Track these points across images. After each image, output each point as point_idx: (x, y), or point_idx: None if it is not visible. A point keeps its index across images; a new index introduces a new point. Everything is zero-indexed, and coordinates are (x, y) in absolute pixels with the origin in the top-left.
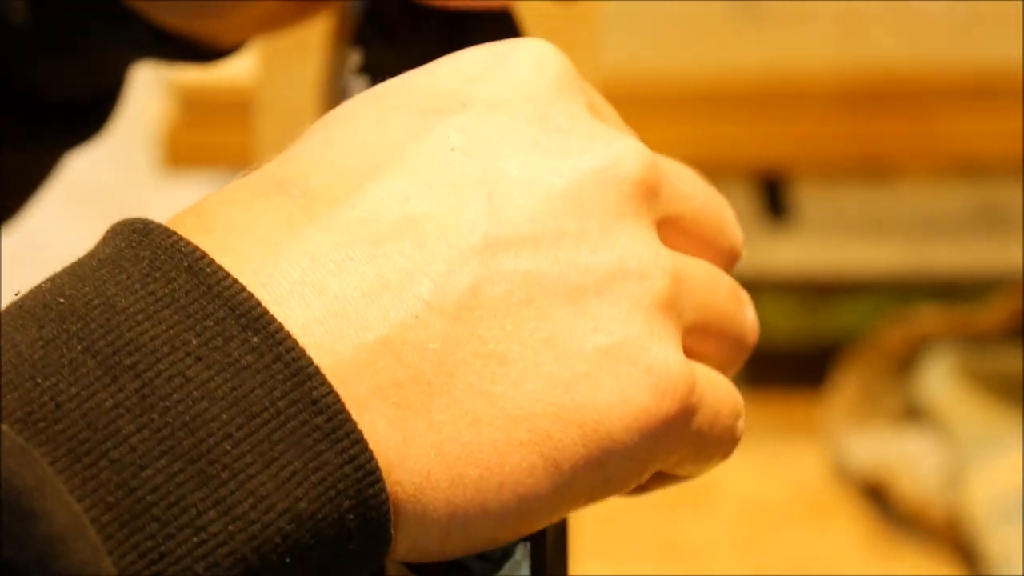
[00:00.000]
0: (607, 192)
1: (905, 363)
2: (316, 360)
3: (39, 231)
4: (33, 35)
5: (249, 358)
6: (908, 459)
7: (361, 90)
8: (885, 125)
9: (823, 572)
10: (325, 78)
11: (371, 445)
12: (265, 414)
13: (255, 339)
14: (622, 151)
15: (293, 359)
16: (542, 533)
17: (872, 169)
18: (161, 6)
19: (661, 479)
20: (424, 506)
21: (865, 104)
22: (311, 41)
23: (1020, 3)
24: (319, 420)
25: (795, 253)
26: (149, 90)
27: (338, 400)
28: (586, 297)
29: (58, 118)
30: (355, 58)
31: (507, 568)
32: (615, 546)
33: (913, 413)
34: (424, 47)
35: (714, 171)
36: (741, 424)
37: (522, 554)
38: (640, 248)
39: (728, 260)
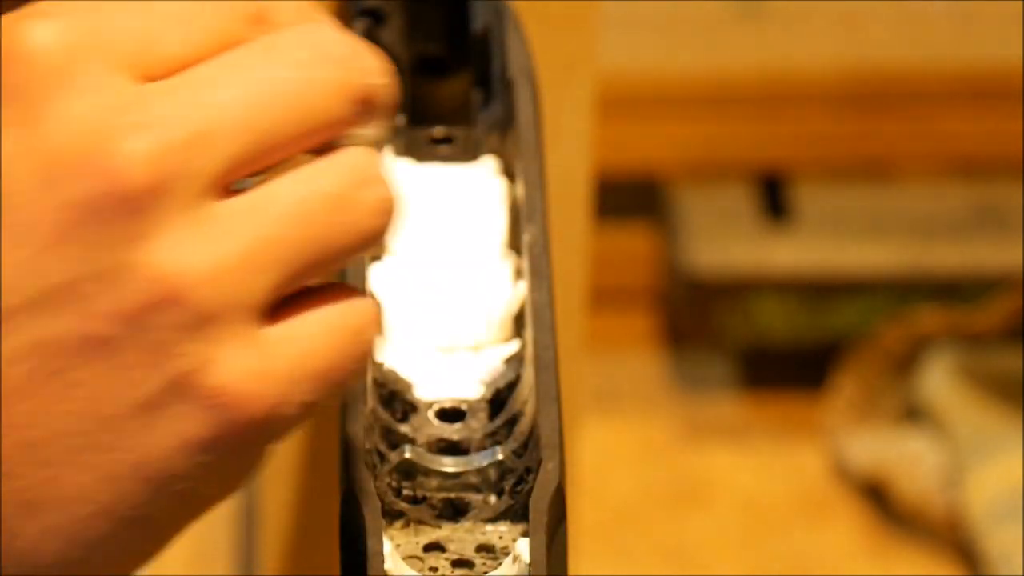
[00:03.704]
0: (112, 215)
1: (905, 363)
2: None
3: None
4: None
5: None
6: (908, 459)
7: None
8: (885, 125)
9: (823, 572)
10: None
11: None
12: None
13: None
14: (121, 163)
15: None
16: (542, 533)
17: (872, 169)
18: None
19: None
20: None
21: (865, 104)
22: None
23: (1020, 3)
24: None
25: (795, 253)
26: None
27: None
28: (119, 346)
29: None
30: None
31: (506, 564)
32: (615, 546)
33: (913, 413)
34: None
35: (714, 171)
36: (366, 332)
37: (522, 550)
38: (169, 267)
39: (337, 116)
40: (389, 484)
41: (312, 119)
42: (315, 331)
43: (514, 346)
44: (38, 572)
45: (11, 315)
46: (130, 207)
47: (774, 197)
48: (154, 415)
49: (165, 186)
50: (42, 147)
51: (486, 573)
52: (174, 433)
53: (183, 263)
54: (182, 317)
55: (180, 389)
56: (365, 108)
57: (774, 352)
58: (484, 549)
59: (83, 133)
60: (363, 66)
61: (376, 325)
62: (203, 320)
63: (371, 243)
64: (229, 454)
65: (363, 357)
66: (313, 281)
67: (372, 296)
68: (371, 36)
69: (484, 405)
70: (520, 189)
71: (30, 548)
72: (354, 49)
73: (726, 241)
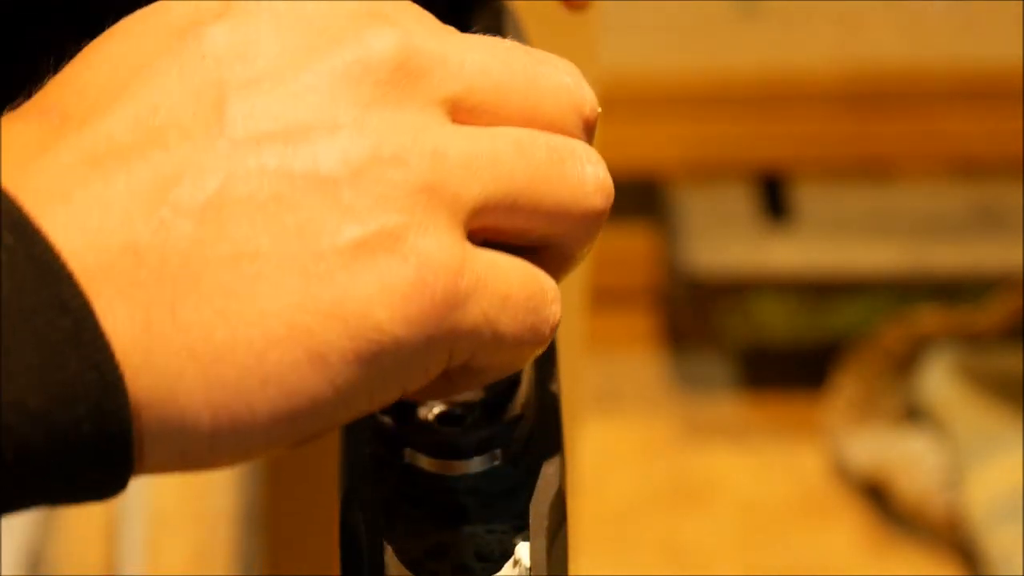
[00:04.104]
0: (359, 83)
1: (905, 363)
2: (68, 264)
3: None
4: None
5: (3, 256)
6: (908, 459)
7: None
8: (885, 125)
9: (823, 572)
10: None
11: (116, 352)
12: (10, 308)
13: (10, 238)
14: (374, 39)
15: (46, 260)
16: (542, 537)
17: (872, 169)
18: None
19: (470, 374)
20: (182, 410)
21: (865, 104)
22: None
23: (1020, 3)
24: (65, 322)
25: (795, 253)
26: None
27: (87, 305)
28: (339, 188)
29: None
30: None
31: (507, 568)
32: (615, 546)
33: (913, 413)
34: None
35: (714, 171)
36: (553, 309)
37: (522, 554)
38: (397, 134)
39: (568, 124)
40: (389, 488)
41: (552, 115)
42: (510, 271)
43: None
44: (214, 392)
45: (246, 140)
46: (374, 76)
47: (774, 197)
48: (362, 258)
49: (412, 74)
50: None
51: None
52: (377, 279)
53: (410, 134)
54: (409, 179)
55: (392, 241)
56: (588, 130)
57: (774, 352)
58: (484, 553)
59: (348, 16)
60: (591, 96)
61: (554, 303)
62: (426, 189)
63: (591, 220)
64: (419, 325)
65: (537, 338)
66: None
67: (556, 286)
68: None
69: (484, 408)
70: None
71: (213, 359)
72: (583, 81)
73: (726, 241)
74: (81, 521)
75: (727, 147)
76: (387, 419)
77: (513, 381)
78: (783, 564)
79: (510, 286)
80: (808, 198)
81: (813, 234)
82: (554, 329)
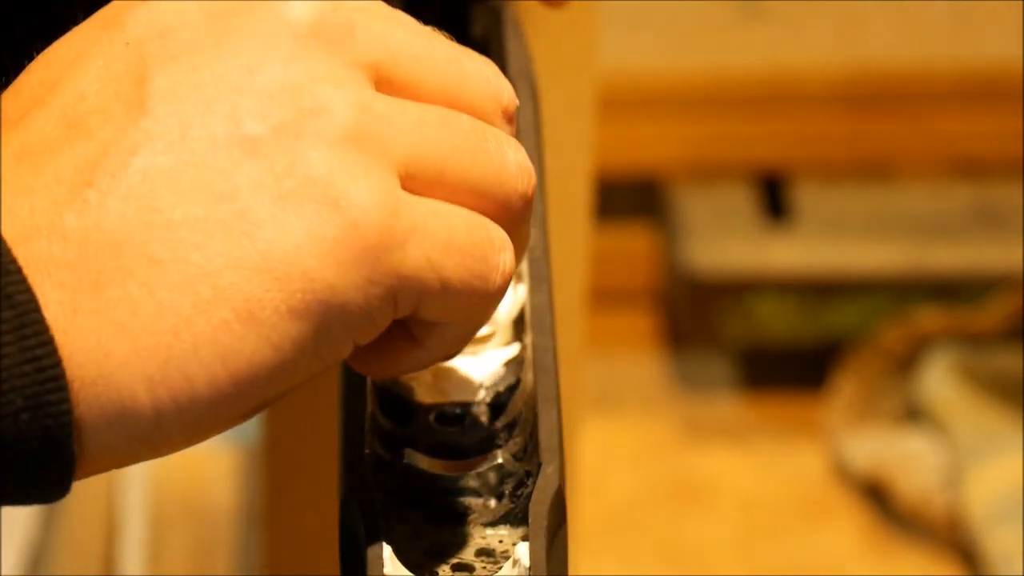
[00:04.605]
0: (279, 39)
1: (905, 363)
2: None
3: None
4: None
5: None
6: (908, 459)
7: None
8: (885, 125)
9: (823, 572)
10: None
11: (56, 340)
12: None
13: None
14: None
15: None
16: (542, 537)
17: (872, 169)
18: None
19: (425, 330)
20: (119, 389)
21: (865, 104)
22: None
23: (1020, 3)
24: (8, 314)
25: (795, 253)
26: None
27: (32, 300)
28: (263, 144)
29: None
30: None
31: (506, 568)
32: (615, 546)
33: (913, 413)
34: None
35: (714, 171)
36: (503, 257)
37: (522, 554)
38: (319, 85)
39: (488, 111)
40: (389, 488)
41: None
42: (452, 217)
43: (514, 350)
44: (144, 357)
45: (180, 110)
46: (304, 31)
47: (774, 197)
48: (289, 209)
49: (334, 33)
50: None
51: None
52: (305, 228)
53: (332, 85)
54: (333, 127)
55: (320, 188)
56: (507, 120)
57: (774, 352)
58: (484, 553)
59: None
60: (509, 89)
61: (503, 250)
62: (353, 138)
63: (518, 204)
64: (353, 271)
65: (487, 286)
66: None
67: (503, 232)
68: None
69: (484, 409)
70: None
71: (141, 330)
72: (502, 76)
73: (726, 241)
74: (81, 521)
75: (727, 147)
76: (387, 419)
77: (513, 382)
78: (783, 564)
79: (453, 231)
80: (808, 198)
81: (813, 234)
82: (506, 278)
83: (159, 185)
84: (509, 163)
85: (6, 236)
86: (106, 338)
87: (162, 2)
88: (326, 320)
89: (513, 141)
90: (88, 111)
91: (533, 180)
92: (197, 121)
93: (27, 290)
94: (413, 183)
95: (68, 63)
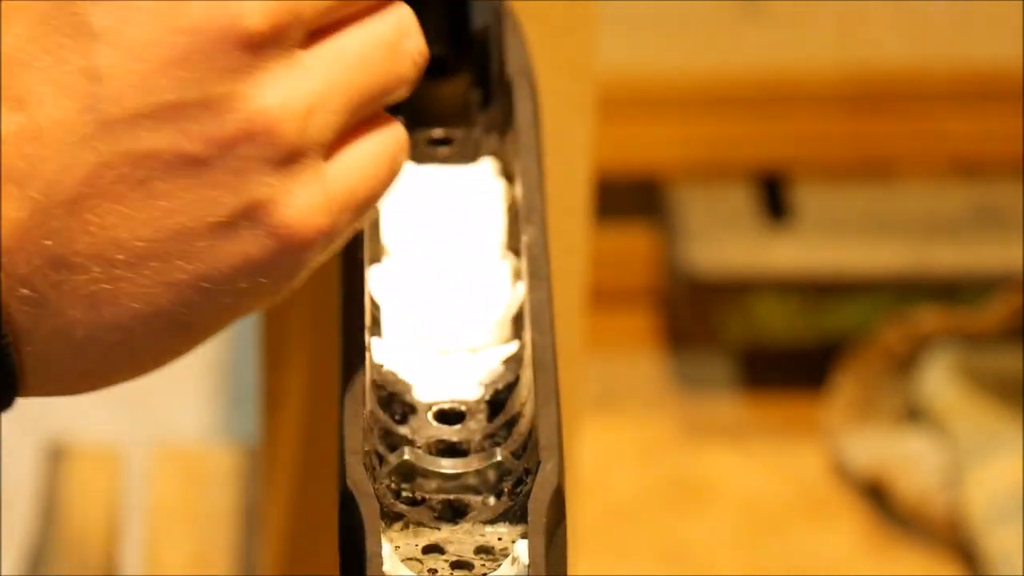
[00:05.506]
0: (228, 51)
1: (905, 363)
2: None
3: None
4: None
5: None
6: (908, 459)
7: None
8: (885, 125)
9: (823, 572)
10: None
11: None
12: None
13: None
14: (243, 5)
15: None
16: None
17: (872, 169)
18: None
19: None
20: (58, 390)
21: (865, 104)
22: None
23: (1020, 3)
24: None
25: (795, 253)
26: None
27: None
28: (208, 167)
29: None
30: None
31: (505, 565)
32: (615, 546)
33: (913, 413)
34: None
35: (714, 171)
36: (399, 158)
37: (521, 551)
38: (269, 103)
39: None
40: (388, 486)
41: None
42: (364, 163)
43: (513, 347)
44: (81, 360)
45: (115, 123)
46: (244, 45)
47: (774, 197)
48: (224, 235)
49: (276, 33)
50: None
51: (485, 574)
52: (239, 253)
53: (280, 101)
54: (270, 151)
55: (254, 215)
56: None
57: (774, 352)
58: (483, 550)
59: None
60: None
61: (405, 150)
62: (287, 156)
63: (407, 88)
64: (280, 276)
65: (394, 180)
66: None
67: (398, 121)
68: None
69: (483, 406)
70: (519, 190)
71: (84, 339)
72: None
73: (726, 241)
74: (81, 521)
75: (727, 147)
76: (386, 417)
77: (512, 379)
78: (783, 564)
79: (365, 183)
80: (808, 198)
81: (813, 234)
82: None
83: (104, 202)
84: (416, 60)
85: None
86: (53, 347)
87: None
88: (251, 310)
89: (412, 24)
90: (38, 120)
91: (426, 56)
92: (143, 137)
93: None
94: (344, 134)
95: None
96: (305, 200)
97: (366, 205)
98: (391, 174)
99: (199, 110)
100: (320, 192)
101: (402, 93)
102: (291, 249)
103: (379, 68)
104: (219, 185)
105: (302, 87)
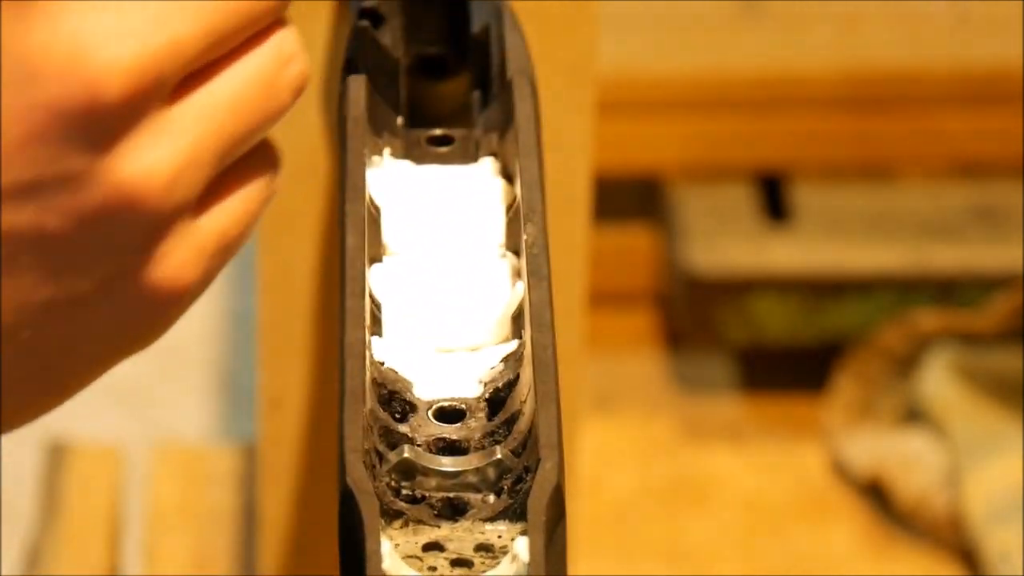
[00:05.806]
0: (86, 125)
1: (905, 363)
2: None
3: None
4: None
5: None
6: (908, 459)
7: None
8: (885, 125)
9: (823, 572)
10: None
11: None
12: None
13: None
14: (100, 74)
15: None
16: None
17: (872, 169)
18: None
19: None
20: None
21: (865, 104)
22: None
23: (1020, 3)
24: None
25: (795, 253)
26: None
27: None
28: (72, 242)
29: None
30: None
31: (505, 563)
32: (615, 546)
33: (913, 413)
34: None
35: (714, 171)
36: (271, 184)
37: (520, 549)
38: (130, 174)
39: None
40: (388, 484)
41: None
42: (236, 204)
43: (513, 346)
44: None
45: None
46: (103, 116)
47: (774, 197)
48: (94, 304)
49: (137, 100)
50: (24, 48)
51: (485, 572)
52: (111, 317)
53: (143, 170)
54: (134, 222)
55: (123, 284)
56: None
57: (774, 352)
58: (483, 548)
59: (68, 37)
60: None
61: (277, 168)
62: (153, 224)
63: (283, 116)
64: (155, 327)
65: (268, 204)
66: None
67: (267, 142)
68: (370, 37)
69: (483, 405)
70: (519, 190)
71: None
72: None
73: (726, 241)
74: (81, 521)
75: (727, 147)
76: (386, 415)
77: (512, 377)
78: (783, 564)
79: (237, 227)
80: (808, 198)
81: (813, 234)
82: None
83: None
84: (294, 86)
85: None
86: None
87: None
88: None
89: (296, 46)
90: None
91: (305, 87)
92: (17, 209)
93: None
94: (219, 178)
95: None
96: (175, 259)
97: (240, 243)
98: (264, 203)
99: (59, 186)
100: (190, 247)
101: (276, 123)
102: (162, 306)
103: (255, 107)
104: (84, 258)
105: (167, 150)
